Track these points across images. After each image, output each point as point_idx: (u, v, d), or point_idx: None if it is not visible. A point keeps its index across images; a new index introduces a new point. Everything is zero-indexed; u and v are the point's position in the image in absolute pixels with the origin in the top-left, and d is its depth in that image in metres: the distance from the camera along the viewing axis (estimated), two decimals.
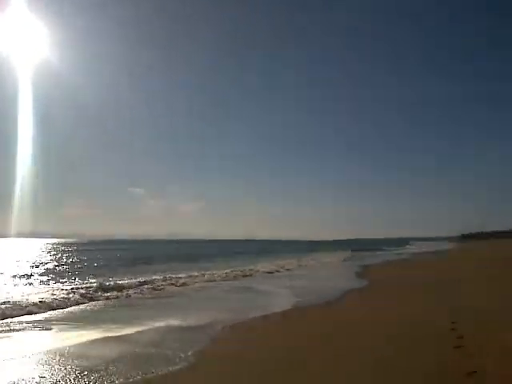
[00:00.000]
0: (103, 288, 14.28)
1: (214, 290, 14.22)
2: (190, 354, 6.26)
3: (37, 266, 28.94)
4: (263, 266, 25.66)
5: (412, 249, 68.71)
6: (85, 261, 36.20)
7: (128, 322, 8.83)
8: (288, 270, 23.72)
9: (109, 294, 13.29)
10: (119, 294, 13.56)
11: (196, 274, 19.22)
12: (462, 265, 26.41)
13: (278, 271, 22.54)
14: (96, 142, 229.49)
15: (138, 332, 7.81)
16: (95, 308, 11.11)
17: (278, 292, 13.55)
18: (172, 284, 15.86)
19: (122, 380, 5.13)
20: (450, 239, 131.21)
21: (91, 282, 16.85)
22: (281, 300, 11.92)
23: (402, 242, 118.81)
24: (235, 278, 18.84)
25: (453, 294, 12.27)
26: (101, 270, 24.68)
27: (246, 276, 19.62)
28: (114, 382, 5.09)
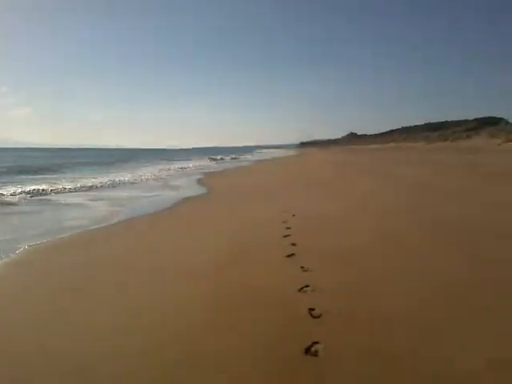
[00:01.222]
0: None
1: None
2: None
3: None
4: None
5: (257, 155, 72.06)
6: None
7: None
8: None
9: None
10: None
11: None
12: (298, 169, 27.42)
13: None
14: None
15: None
16: None
17: (93, 205, 10.67)
18: None
19: None
20: (291, 146, 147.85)
21: None
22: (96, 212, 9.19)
23: (250, 149, 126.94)
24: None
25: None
26: None
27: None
28: None
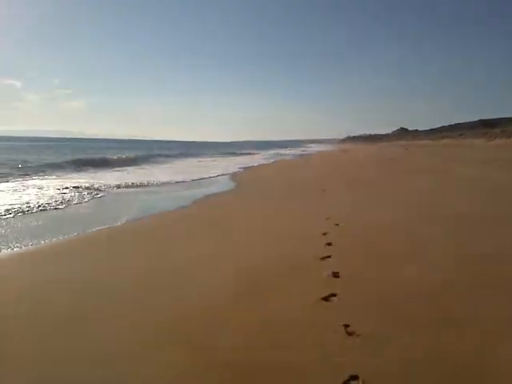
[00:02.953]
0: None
1: None
2: None
3: None
4: None
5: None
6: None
7: None
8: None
9: None
10: None
11: None
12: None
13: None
14: None
15: None
16: None
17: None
18: None
19: None
20: (337, 141, 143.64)
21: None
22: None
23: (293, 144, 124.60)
24: None
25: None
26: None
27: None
28: None
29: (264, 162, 28.63)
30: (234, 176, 16.21)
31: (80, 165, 20.88)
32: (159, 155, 34.16)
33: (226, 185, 12.86)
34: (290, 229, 6.02)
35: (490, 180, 11.49)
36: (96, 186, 11.78)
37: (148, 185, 12.79)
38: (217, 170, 19.08)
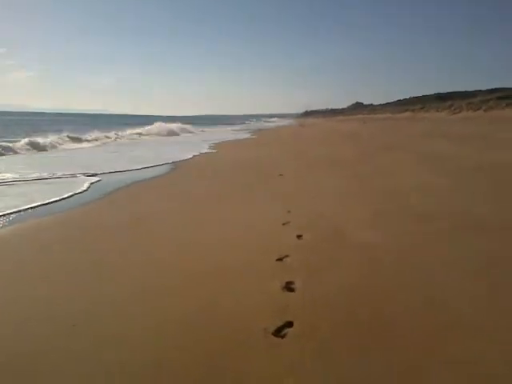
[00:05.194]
0: None
1: None
2: None
3: None
4: None
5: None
6: None
7: None
8: None
9: None
10: None
11: None
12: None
13: None
14: None
15: None
16: None
17: None
18: None
19: None
20: (296, 115, 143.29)
21: None
22: None
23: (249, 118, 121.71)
24: None
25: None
26: None
27: None
28: None
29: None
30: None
31: None
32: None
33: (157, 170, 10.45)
34: (224, 246, 3.89)
35: (472, 159, 9.84)
36: None
37: None
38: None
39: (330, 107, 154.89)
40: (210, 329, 2.34)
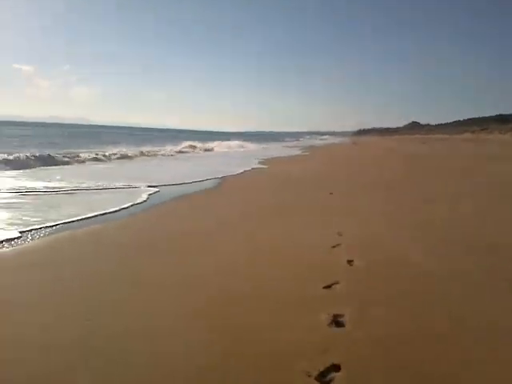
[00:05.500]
0: None
1: None
2: None
3: None
4: None
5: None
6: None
7: None
8: None
9: None
10: None
11: None
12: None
13: None
14: None
15: None
16: None
17: None
18: None
19: None
20: (350, 133, 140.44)
21: None
22: None
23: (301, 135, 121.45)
24: None
25: None
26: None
27: None
28: None
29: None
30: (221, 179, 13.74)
31: None
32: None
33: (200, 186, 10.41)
34: (265, 276, 3.59)
35: None
36: None
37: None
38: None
39: (384, 126, 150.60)
40: (244, 365, 2.05)
